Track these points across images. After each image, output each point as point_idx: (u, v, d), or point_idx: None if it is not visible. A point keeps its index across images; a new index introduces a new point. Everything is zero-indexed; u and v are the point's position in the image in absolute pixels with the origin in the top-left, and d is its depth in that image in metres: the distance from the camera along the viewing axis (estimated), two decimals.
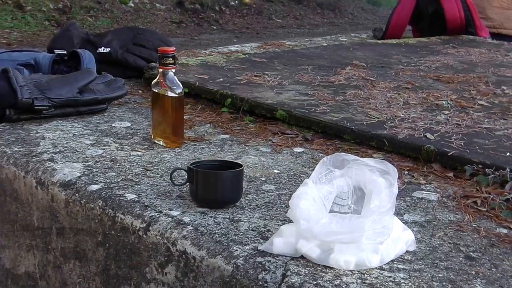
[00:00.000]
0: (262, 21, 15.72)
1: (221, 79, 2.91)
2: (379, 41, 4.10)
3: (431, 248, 1.64)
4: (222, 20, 15.17)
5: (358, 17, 17.57)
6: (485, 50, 3.79)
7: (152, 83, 2.36)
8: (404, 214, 1.80)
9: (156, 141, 2.40)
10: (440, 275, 1.51)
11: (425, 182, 2.07)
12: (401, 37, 4.19)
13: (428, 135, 2.31)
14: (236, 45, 3.89)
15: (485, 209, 1.86)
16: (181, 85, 2.31)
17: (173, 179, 1.94)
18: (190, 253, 1.68)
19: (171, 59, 2.27)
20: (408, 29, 4.30)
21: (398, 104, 2.70)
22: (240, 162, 2.00)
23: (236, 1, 16.02)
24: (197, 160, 2.14)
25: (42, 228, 2.11)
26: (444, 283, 1.47)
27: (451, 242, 1.69)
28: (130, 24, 13.69)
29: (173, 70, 2.28)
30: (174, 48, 2.38)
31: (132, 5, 14.46)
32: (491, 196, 1.92)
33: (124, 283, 1.85)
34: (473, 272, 1.54)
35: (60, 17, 13.06)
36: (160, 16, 14.48)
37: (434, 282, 1.48)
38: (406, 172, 2.10)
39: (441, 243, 1.67)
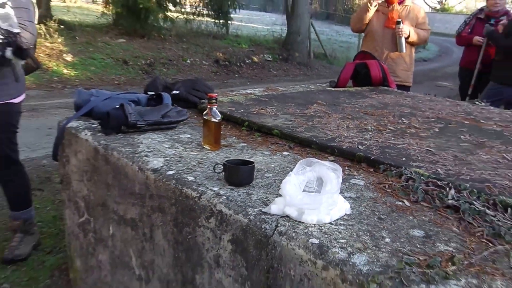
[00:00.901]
0: (264, 72, 15.42)
1: (241, 110, 2.81)
2: (333, 89, 3.95)
3: (359, 213, 1.61)
4: (240, 71, 14.89)
5: (321, 70, 17.21)
6: (393, 96, 3.64)
7: (204, 113, 2.26)
8: (345, 192, 1.75)
9: (204, 146, 2.30)
10: (363, 227, 1.50)
11: (357, 174, 2.01)
12: (345, 86, 4.06)
13: (359, 146, 2.22)
14: (249, 89, 3.77)
15: (390, 191, 1.82)
16: (219, 115, 2.23)
17: (214, 169, 1.91)
18: (223, 211, 1.66)
19: (214, 100, 2.21)
20: (349, 83, 4.19)
21: (343, 127, 2.59)
22: (252, 160, 1.95)
23: (250, 60, 15.78)
24: (228, 158, 2.07)
25: (140, 194, 2.08)
26: (365, 232, 1.48)
27: (370, 209, 1.65)
28: (188, 73, 13.43)
29: (215, 106, 2.23)
30: (217, 94, 2.29)
31: (189, 62, 14.24)
32: (394, 183, 1.87)
33: (186, 226, 1.83)
34: (382, 227, 1.51)
35: (147, 68, 12.80)
36: (204, 68, 14.23)
37: (360, 231, 1.47)
38: (347, 168, 2.04)
39: (364, 210, 1.64)
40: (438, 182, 1.83)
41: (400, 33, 4.93)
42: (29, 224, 3.68)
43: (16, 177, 3.56)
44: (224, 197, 1.72)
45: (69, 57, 12.09)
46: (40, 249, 3.72)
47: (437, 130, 2.70)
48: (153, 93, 2.95)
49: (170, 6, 16.59)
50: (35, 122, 7.53)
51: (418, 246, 1.42)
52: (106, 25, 16.07)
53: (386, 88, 4.12)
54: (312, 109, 3.01)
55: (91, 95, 2.76)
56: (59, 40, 12.46)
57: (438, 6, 55.59)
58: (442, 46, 31.00)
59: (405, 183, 1.88)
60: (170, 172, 1.96)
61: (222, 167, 1.87)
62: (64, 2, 26.49)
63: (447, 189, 1.77)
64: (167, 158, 2.13)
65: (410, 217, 1.62)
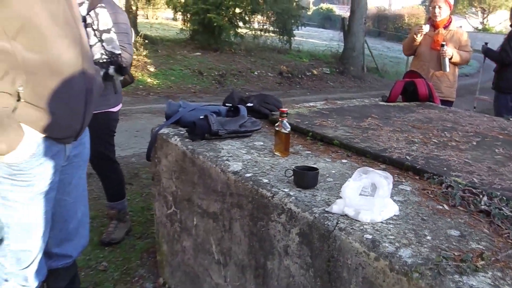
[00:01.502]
0: (322, 83, 15.30)
1: (306, 122, 2.87)
2: (384, 103, 3.97)
3: (405, 214, 1.69)
4: (301, 83, 14.83)
5: (373, 83, 16.98)
6: (437, 111, 3.63)
7: (276, 124, 2.34)
8: (394, 196, 1.81)
9: (275, 153, 2.37)
10: (409, 226, 1.59)
11: (405, 181, 2.07)
12: (396, 101, 4.10)
13: (407, 157, 2.27)
14: (311, 102, 3.81)
15: (432, 196, 1.88)
16: (289, 127, 2.31)
17: (285, 174, 2.01)
18: (293, 209, 1.75)
19: (285, 114, 2.29)
20: (399, 98, 4.22)
21: (393, 139, 2.63)
22: (317, 167, 2.02)
23: (310, 73, 15.75)
24: (296, 164, 2.15)
25: (221, 192, 2.19)
26: (410, 230, 1.56)
27: (415, 211, 1.73)
28: (255, 84, 13.50)
29: (286, 119, 2.30)
30: (287, 109, 2.38)
31: (256, 73, 14.33)
32: (435, 190, 1.93)
33: (260, 221, 1.92)
34: (424, 226, 1.60)
35: (220, 79, 12.93)
36: (270, 80, 14.26)
37: (406, 230, 1.56)
38: (396, 175, 2.09)
39: (410, 212, 1.72)
40: (473, 190, 1.89)
41: (444, 54, 4.96)
42: (123, 213, 3.86)
43: (112, 173, 3.74)
44: (293, 198, 1.83)
45: (152, 68, 12.37)
46: (131, 234, 3.87)
47: (474, 143, 2.73)
48: (231, 105, 3.10)
49: (240, 24, 16.78)
50: (124, 125, 7.73)
51: (454, 243, 1.50)
52: (184, 40, 16.36)
53: (431, 103, 4.12)
54: (367, 122, 3.06)
55: (179, 106, 2.91)
56: (144, 53, 12.77)
57: (480, 26, 54.17)
58: (482, 63, 30.21)
59: (445, 190, 1.94)
60: (248, 175, 2.07)
61: (291, 172, 1.97)
62: (147, 18, 26.98)
63: (481, 196, 1.84)
64: (245, 162, 2.23)
65: (448, 219, 1.70)
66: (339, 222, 1.62)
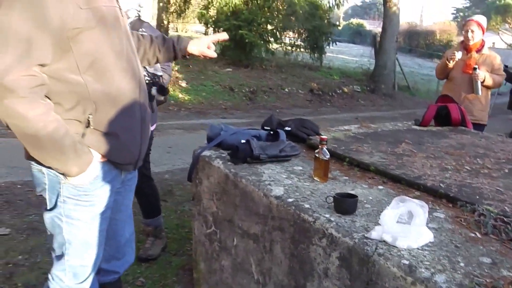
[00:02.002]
0: (353, 102, 15.40)
1: (343, 147, 2.99)
2: (417, 128, 4.07)
3: (439, 241, 1.79)
4: (332, 100, 14.95)
5: (404, 102, 17.02)
6: (469, 136, 3.72)
7: (316, 151, 2.46)
8: (428, 223, 1.91)
9: (315, 178, 2.48)
10: (443, 253, 1.69)
11: (439, 208, 2.18)
12: (428, 125, 4.18)
13: (441, 184, 2.38)
14: (346, 126, 3.88)
15: (465, 224, 1.99)
16: (328, 154, 2.42)
17: (326, 200, 2.13)
18: (334, 234, 1.87)
19: (325, 142, 2.41)
20: (431, 122, 4.30)
21: (427, 166, 2.72)
22: (356, 194, 2.15)
23: (340, 91, 15.85)
24: (334, 190, 2.29)
25: (264, 215, 2.31)
26: (444, 257, 1.67)
27: (449, 238, 1.83)
28: (285, 101, 13.68)
29: (325, 147, 2.41)
30: (327, 137, 2.49)
31: (287, 90, 14.49)
32: (468, 218, 2.04)
33: (301, 243, 2.05)
34: (458, 253, 1.70)
35: (251, 95, 13.11)
36: (300, 97, 14.40)
37: (440, 256, 1.66)
38: (430, 203, 2.20)
39: (444, 239, 1.83)
40: (505, 219, 1.99)
41: (477, 77, 5.06)
42: (159, 230, 4.01)
43: (148, 190, 3.89)
44: (334, 223, 1.96)
45: (183, 83, 12.61)
46: (167, 251, 4.01)
47: (506, 171, 2.81)
48: (269, 129, 3.24)
49: (272, 40, 16.99)
50: (157, 141, 7.84)
51: (486, 270, 1.62)
52: None
53: (463, 128, 4.21)
54: (401, 147, 3.17)
55: (221, 130, 3.05)
56: (176, 68, 13.00)
57: None
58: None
59: (477, 218, 2.04)
60: (290, 200, 2.20)
61: (332, 199, 2.10)
62: (177, 31, 27.38)
63: None
64: (286, 187, 2.36)
65: (481, 247, 1.81)
66: (378, 247, 1.75)
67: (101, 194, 2.08)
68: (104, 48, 1.90)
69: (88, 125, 1.93)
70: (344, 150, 2.98)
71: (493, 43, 46.55)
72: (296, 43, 18.49)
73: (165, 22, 19.60)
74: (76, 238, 2.08)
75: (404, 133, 3.73)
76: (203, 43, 2.60)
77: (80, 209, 2.04)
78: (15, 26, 1.66)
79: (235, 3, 15.65)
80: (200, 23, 18.17)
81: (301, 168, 2.73)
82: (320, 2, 17.97)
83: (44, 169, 1.97)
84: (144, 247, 3.92)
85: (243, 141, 2.81)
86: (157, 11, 19.09)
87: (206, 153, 2.90)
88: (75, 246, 2.10)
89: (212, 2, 15.98)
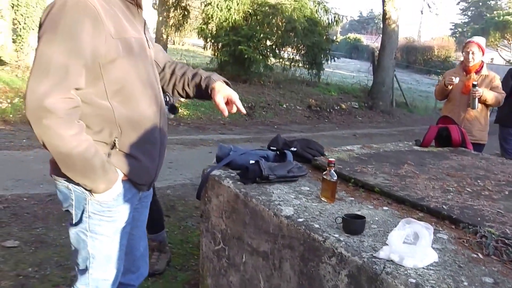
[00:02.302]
0: (351, 118, 15.55)
1: (348, 168, 3.10)
2: (419, 148, 4.18)
3: (443, 261, 1.90)
4: (330, 117, 15.09)
5: (402, 118, 17.19)
6: (470, 158, 3.82)
7: (324, 173, 2.56)
8: (433, 244, 1.97)
9: (322, 199, 2.59)
10: (447, 273, 1.79)
11: (442, 229, 2.29)
12: (429, 146, 4.31)
13: (443, 206, 2.50)
14: (349, 146, 3.98)
15: (467, 245, 2.10)
16: (336, 176, 2.52)
17: (336, 221, 2.24)
18: (343, 253, 1.97)
19: (333, 164, 2.51)
20: (432, 143, 4.43)
21: (429, 188, 2.84)
22: (363, 215, 2.27)
23: (338, 107, 15.99)
24: (342, 210, 2.42)
25: (273, 233, 2.42)
26: (448, 276, 1.77)
27: (452, 259, 1.94)
28: (284, 117, 13.83)
29: (333, 169, 2.51)
30: (334, 160, 2.58)
31: (285, 106, 14.62)
32: (470, 239, 2.15)
33: (310, 262, 2.15)
34: (461, 273, 1.80)
35: (249, 111, 13.18)
36: (298, 113, 14.54)
37: (445, 276, 1.76)
38: (433, 224, 2.30)
39: (448, 259, 1.93)
40: (506, 241, 2.11)
41: (475, 94, 5.22)
42: (163, 245, 4.12)
43: (153, 205, 4.00)
44: (343, 243, 2.07)
45: (182, 98, 12.72)
46: (172, 265, 4.11)
47: (507, 193, 2.93)
48: (275, 148, 3.37)
49: (271, 56, 17.18)
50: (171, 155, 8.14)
51: None
52: (213, 70, 16.77)
53: (464, 149, 4.34)
54: (404, 169, 3.29)
55: (230, 150, 3.18)
56: None
57: None
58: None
59: (479, 239, 2.16)
60: (300, 220, 2.32)
61: (341, 220, 2.22)
62: (174, 44, 27.56)
63: None
64: (296, 207, 2.48)
65: (483, 267, 1.92)
66: (385, 266, 1.86)
67: (123, 210, 2.22)
68: (131, 76, 2.06)
69: (113, 147, 2.08)
70: (349, 171, 3.10)
71: (492, 59, 46.81)
72: (294, 59, 18.67)
73: (164, 36, 19.77)
74: (99, 252, 2.21)
75: (406, 154, 3.86)
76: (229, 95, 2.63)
77: (104, 224, 2.17)
78: (54, 55, 1.84)
79: (235, 18, 15.85)
80: (200, 37, 18.33)
81: (308, 188, 2.84)
82: (319, 18, 18.17)
83: (71, 185, 2.11)
84: (151, 262, 4.01)
85: (252, 161, 2.93)
86: (156, 25, 19.30)
87: (216, 172, 3.03)
88: (98, 260, 2.22)
89: (212, 17, 16.12)
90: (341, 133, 12.78)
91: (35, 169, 6.94)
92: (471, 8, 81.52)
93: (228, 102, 2.60)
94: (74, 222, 2.19)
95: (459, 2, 76.01)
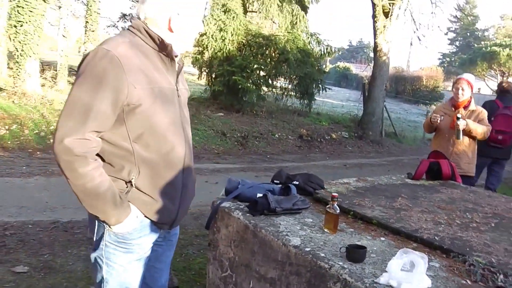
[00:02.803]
0: (341, 148, 15.84)
1: (347, 201, 3.34)
2: (411, 182, 4.42)
3: (436, 287, 2.14)
4: (321, 146, 15.39)
5: (391, 148, 17.50)
6: (459, 191, 4.07)
7: (327, 206, 2.81)
8: (426, 272, 2.20)
9: (326, 230, 2.83)
10: None
11: (434, 258, 2.53)
12: (420, 179, 4.57)
13: (435, 237, 2.74)
14: (345, 179, 4.22)
15: (457, 272, 2.35)
16: (338, 209, 2.77)
17: (340, 250, 2.49)
18: (347, 279, 2.21)
19: (336, 199, 2.76)
20: (424, 177, 4.72)
21: (422, 220, 3.09)
22: (364, 245, 2.51)
23: (329, 137, 16.30)
24: (344, 241, 2.67)
25: (281, 261, 2.65)
26: None
27: (444, 285, 2.19)
28: (276, 146, 14.13)
29: (336, 203, 2.74)
30: (337, 195, 2.82)
31: (277, 136, 14.91)
32: (460, 267, 2.41)
33: (317, 287, 2.39)
34: None
35: (242, 140, 13.52)
36: (290, 143, 14.83)
37: None
38: (426, 253, 2.50)
39: (439, 285, 2.18)
40: (492, 269, 2.36)
41: (458, 126, 5.53)
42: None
43: None
44: (347, 270, 2.32)
45: None
46: None
47: (493, 225, 3.20)
48: (279, 182, 3.63)
49: (264, 86, 17.52)
50: None
51: None
52: (207, 99, 17.10)
53: (453, 182, 4.61)
54: (398, 202, 3.55)
55: (238, 183, 3.44)
56: None
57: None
58: None
59: (468, 267, 2.41)
60: (307, 249, 2.56)
61: (345, 249, 2.47)
62: None
63: (498, 274, 2.32)
64: (302, 238, 2.72)
65: None
66: None
67: (139, 243, 2.44)
68: (156, 122, 2.30)
69: (131, 185, 2.32)
70: (348, 204, 3.35)
71: (479, 89, 47.46)
72: (287, 89, 19.03)
73: None
74: (113, 279, 2.43)
75: (400, 187, 4.14)
76: None
77: (118, 254, 2.40)
78: (80, 99, 2.12)
79: (229, 49, 16.24)
80: (194, 67, 18.68)
81: (311, 220, 3.09)
82: (311, 50, 18.60)
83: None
84: None
85: (259, 195, 3.19)
86: None
87: (225, 204, 3.27)
88: (111, 285, 2.44)
89: (207, 47, 16.47)
90: (332, 163, 13.09)
91: (37, 196, 7.20)
92: (459, 38, 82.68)
93: None
94: (94, 248, 2.44)
95: (447, 32, 77.21)
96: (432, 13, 19.76)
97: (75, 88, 2.14)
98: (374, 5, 17.09)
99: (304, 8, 19.15)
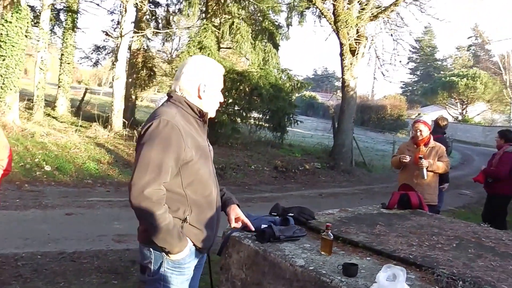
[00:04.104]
0: (315, 178, 16.49)
1: (335, 229, 3.89)
2: (385, 211, 5.03)
3: None
4: (295, 177, 16.02)
5: (362, 177, 18.13)
6: (426, 218, 4.69)
7: (323, 234, 3.46)
8: (405, 281, 2.93)
9: (322, 253, 3.45)
10: None
11: (410, 271, 3.16)
12: (393, 209, 5.16)
13: (410, 256, 3.37)
14: (330, 210, 4.74)
15: (428, 281, 3.03)
16: (332, 236, 3.43)
17: (337, 267, 3.16)
18: None
19: (330, 228, 3.42)
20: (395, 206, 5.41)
21: (398, 243, 3.70)
22: (356, 263, 3.18)
23: (302, 167, 16.95)
24: (338, 261, 3.30)
25: (289, 279, 3.27)
26: None
27: None
28: (253, 177, 14.74)
29: (330, 231, 3.41)
30: (331, 224, 3.47)
31: (253, 167, 15.52)
32: (430, 277, 3.08)
33: None
34: None
35: (220, 171, 14.02)
36: (266, 174, 15.43)
37: None
38: (403, 268, 3.12)
39: None
40: (453, 277, 3.06)
41: (421, 165, 6.38)
42: None
43: None
44: (344, 282, 2.97)
45: None
46: None
47: (454, 245, 3.89)
48: (276, 214, 4.29)
49: (238, 120, 18.19)
50: None
51: None
52: None
53: (421, 211, 5.32)
54: (377, 229, 4.21)
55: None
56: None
57: (460, 117, 56.33)
58: (464, 154, 31.74)
59: (436, 277, 3.11)
60: (311, 268, 3.20)
61: (341, 267, 3.13)
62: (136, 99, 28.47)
63: (458, 281, 3.01)
64: (305, 259, 3.36)
65: None
66: None
67: (189, 266, 3.10)
68: (200, 172, 2.99)
69: (185, 221, 2.98)
70: (337, 232, 3.99)
71: (441, 115, 48.76)
72: (260, 123, 19.73)
73: (133, 97, 20.70)
74: None
75: (377, 216, 4.83)
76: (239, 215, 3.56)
77: (174, 276, 3.04)
78: (152, 158, 2.78)
79: None
80: None
81: (309, 245, 3.73)
82: (283, 85, 19.40)
83: (151, 249, 3.00)
84: None
85: (264, 225, 3.84)
86: (126, 86, 20.14)
87: (235, 234, 3.91)
88: None
89: None
90: (307, 192, 13.77)
91: (38, 229, 7.64)
92: (420, 68, 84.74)
93: (237, 220, 3.53)
94: (152, 275, 3.06)
95: (408, 62, 79.00)
96: (394, 49, 20.79)
97: (146, 149, 2.78)
98: (341, 44, 17.96)
99: (276, 46, 20.06)
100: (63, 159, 12.55)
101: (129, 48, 19.82)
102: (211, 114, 3.19)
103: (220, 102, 3.20)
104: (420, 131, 6.63)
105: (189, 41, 18.07)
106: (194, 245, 3.07)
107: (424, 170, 6.43)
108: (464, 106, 56.95)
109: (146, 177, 2.74)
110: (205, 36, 17.43)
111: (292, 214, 4.29)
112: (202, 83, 3.07)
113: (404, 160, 6.68)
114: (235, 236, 3.88)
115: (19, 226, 7.75)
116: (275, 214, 4.34)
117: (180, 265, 3.04)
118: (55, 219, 8.27)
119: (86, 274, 5.85)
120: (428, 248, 3.77)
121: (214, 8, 19.30)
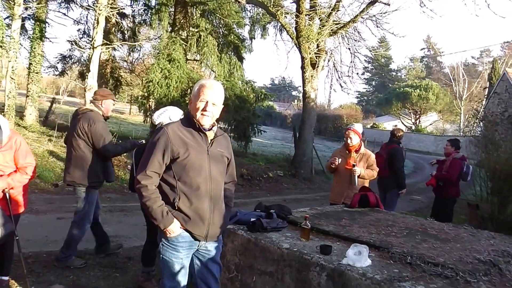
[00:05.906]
0: (278, 185, 17.29)
1: (309, 222, 4.57)
2: (349, 209, 5.76)
3: (374, 265, 3.71)
4: (260, 184, 16.65)
5: (321, 185, 18.79)
6: (382, 214, 5.43)
7: (302, 223, 4.26)
8: (369, 257, 3.90)
9: (301, 239, 4.24)
10: (376, 268, 3.63)
11: (371, 251, 3.96)
12: (355, 207, 5.87)
13: (371, 240, 4.21)
14: (302, 209, 5.61)
15: (385, 258, 3.90)
16: (309, 225, 4.25)
17: (316, 248, 4.00)
18: (323, 263, 3.71)
19: (307, 218, 4.27)
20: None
21: (360, 232, 4.50)
22: (330, 244, 4.01)
23: (266, 175, 17.51)
24: (316, 245, 4.09)
25: (277, 259, 4.05)
26: (375, 270, 3.62)
27: (378, 263, 3.74)
28: None
29: (308, 221, 4.31)
30: (309, 216, 4.30)
31: None
32: (386, 254, 4.00)
33: (303, 271, 3.88)
34: (382, 268, 3.63)
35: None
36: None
37: (375, 268, 3.59)
38: (367, 246, 4.08)
39: (376, 264, 3.73)
40: (403, 254, 3.95)
41: (354, 173, 6.94)
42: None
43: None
44: (322, 259, 3.81)
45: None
46: None
47: (405, 233, 4.79)
48: (260, 210, 5.13)
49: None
50: (132, 220, 9.48)
51: (394, 275, 3.62)
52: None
53: (378, 209, 6.23)
54: (343, 222, 5.08)
55: (236, 212, 4.89)
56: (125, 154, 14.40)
57: (413, 127, 57.83)
58: (416, 162, 32.73)
59: (391, 254, 3.99)
60: (295, 249, 4.02)
61: (319, 248, 3.97)
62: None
63: (407, 256, 3.90)
64: (289, 243, 4.18)
65: (393, 266, 3.73)
66: (346, 267, 3.64)
67: (181, 245, 3.61)
68: (189, 168, 3.54)
69: (174, 206, 3.54)
70: (311, 224, 4.83)
71: (395, 125, 50.13)
72: (226, 132, 20.28)
73: None
74: (165, 267, 3.65)
75: (342, 213, 5.74)
76: None
77: (167, 249, 3.61)
78: (147, 155, 3.56)
79: (174, 95, 17.56)
80: (140, 111, 19.67)
81: (290, 234, 4.58)
82: (247, 96, 20.14)
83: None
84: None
85: (253, 219, 4.67)
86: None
87: (229, 226, 4.72)
88: (165, 272, 3.65)
89: (153, 93, 17.70)
90: (273, 199, 14.37)
91: (36, 231, 8.01)
92: (375, 78, 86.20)
93: None
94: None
95: (363, 73, 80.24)
96: (351, 61, 21.61)
97: (147, 149, 3.59)
98: (303, 58, 18.65)
99: (240, 59, 20.76)
100: (42, 168, 12.77)
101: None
102: (201, 121, 3.63)
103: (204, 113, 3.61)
104: (350, 138, 7.10)
105: (158, 53, 18.62)
106: (185, 229, 3.59)
107: (356, 177, 6.86)
108: (417, 116, 58.45)
109: (142, 168, 3.54)
110: (173, 49, 18.02)
111: (273, 211, 5.16)
112: (204, 100, 3.62)
113: (333, 163, 7.14)
114: (230, 228, 4.70)
115: (17, 229, 8.02)
116: (259, 210, 5.19)
117: (173, 242, 3.60)
118: (49, 223, 8.61)
119: (91, 269, 6.34)
120: (384, 235, 4.67)
121: (182, 21, 19.99)
